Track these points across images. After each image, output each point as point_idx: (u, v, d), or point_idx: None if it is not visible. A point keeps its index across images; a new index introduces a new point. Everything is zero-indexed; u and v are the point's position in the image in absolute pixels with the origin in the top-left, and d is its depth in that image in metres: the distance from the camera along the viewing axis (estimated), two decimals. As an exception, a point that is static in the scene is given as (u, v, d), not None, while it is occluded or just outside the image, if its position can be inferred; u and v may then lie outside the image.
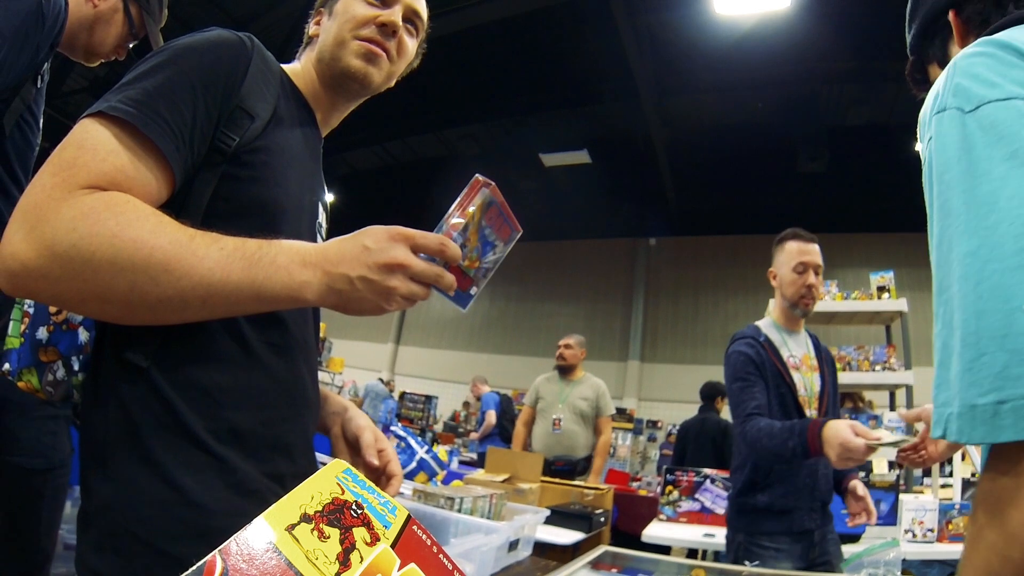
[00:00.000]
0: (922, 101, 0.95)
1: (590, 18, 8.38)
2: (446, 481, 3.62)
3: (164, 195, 0.98)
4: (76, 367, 1.13)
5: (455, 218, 1.01)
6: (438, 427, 13.50)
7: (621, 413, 13.38)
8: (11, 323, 1.22)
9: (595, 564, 2.15)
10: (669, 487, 3.83)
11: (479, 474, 3.75)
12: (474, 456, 8.52)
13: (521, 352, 16.04)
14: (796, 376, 2.59)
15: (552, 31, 8.87)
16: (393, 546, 0.51)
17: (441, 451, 3.85)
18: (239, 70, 1.05)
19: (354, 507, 0.52)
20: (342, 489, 0.53)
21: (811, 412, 2.58)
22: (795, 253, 2.66)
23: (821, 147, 10.14)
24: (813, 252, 2.66)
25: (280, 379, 1.09)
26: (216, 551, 0.43)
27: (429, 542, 0.56)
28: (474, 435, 10.29)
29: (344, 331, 17.38)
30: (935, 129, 0.84)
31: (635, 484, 6.15)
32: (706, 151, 11.03)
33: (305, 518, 0.48)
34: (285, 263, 0.93)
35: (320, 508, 0.49)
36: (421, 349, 18.18)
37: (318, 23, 1.31)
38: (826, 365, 2.74)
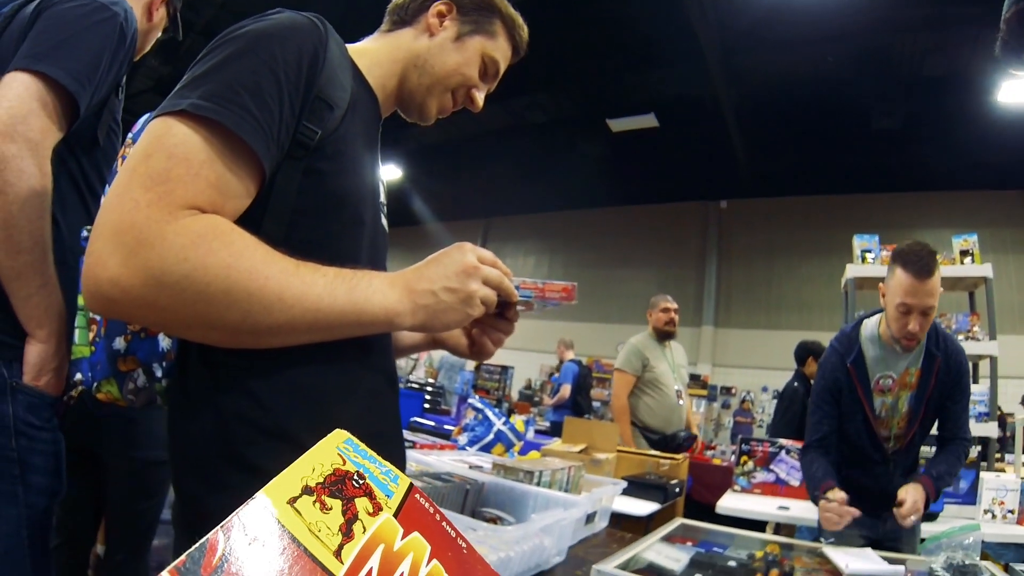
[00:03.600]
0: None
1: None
2: (523, 451, 3.68)
3: (252, 197, 0.95)
4: (159, 373, 1.14)
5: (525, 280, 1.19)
6: (514, 396, 13.62)
7: (695, 380, 13.31)
8: (76, 331, 1.29)
9: (670, 537, 2.19)
10: (744, 457, 3.83)
11: (556, 444, 3.79)
12: (548, 425, 8.59)
13: (595, 319, 15.92)
14: (878, 401, 2.65)
15: (613, -5, 8.70)
16: (396, 515, 0.52)
17: (518, 422, 3.91)
18: (319, 57, 1.00)
19: (356, 477, 0.52)
20: (343, 460, 0.53)
21: (889, 431, 2.69)
22: (901, 289, 2.42)
23: (895, 102, 9.72)
24: (922, 292, 2.38)
25: (374, 367, 1.10)
26: (218, 527, 0.43)
27: (432, 510, 0.57)
28: (548, 401, 10.36)
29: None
30: None
31: (709, 453, 6.10)
32: (775, 110, 10.70)
33: (307, 490, 0.48)
34: (379, 285, 0.96)
35: (322, 480, 0.50)
36: (496, 318, 18.19)
37: (440, 16, 1.27)
38: (935, 378, 2.58)
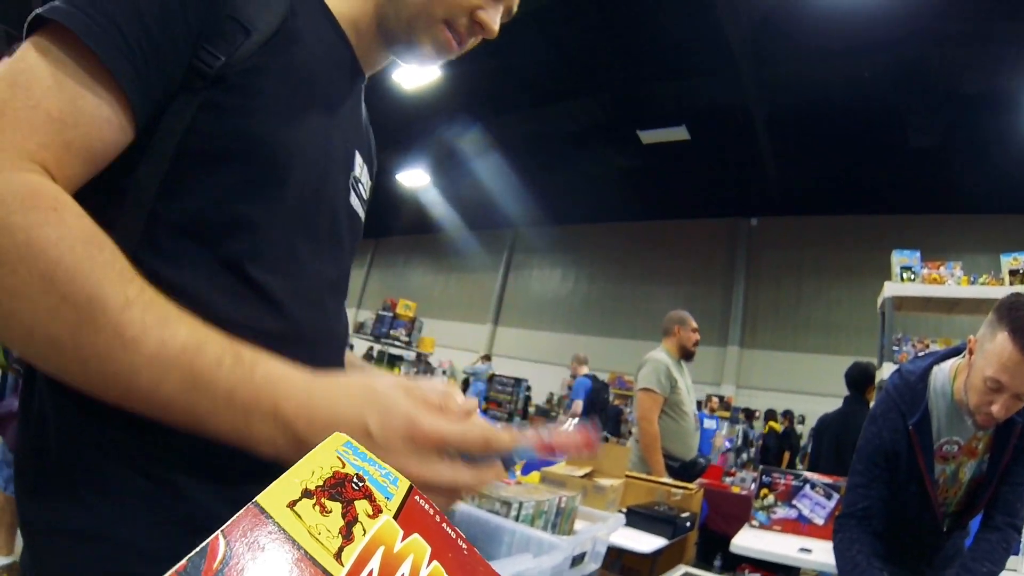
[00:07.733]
0: None
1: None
2: (525, 471, 3.45)
3: (129, 134, 0.73)
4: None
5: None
6: (532, 410, 13.48)
7: (719, 400, 13.10)
8: None
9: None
10: (764, 490, 3.52)
11: (559, 467, 3.55)
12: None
13: (619, 335, 16.02)
14: (939, 467, 2.18)
15: (645, 1, 8.57)
16: (396, 517, 0.49)
17: (523, 441, 3.64)
18: None
19: (355, 480, 0.50)
20: (343, 462, 0.51)
21: (946, 497, 2.23)
22: (999, 360, 1.86)
23: (933, 118, 9.50)
24: (1022, 372, 1.86)
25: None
26: (219, 531, 0.41)
27: (432, 511, 0.54)
28: (563, 416, 10.21)
29: (440, 311, 17.76)
30: None
31: (728, 480, 5.79)
32: (808, 124, 10.60)
33: (306, 494, 0.46)
34: (245, 401, 0.65)
35: (321, 483, 0.48)
36: (519, 330, 18.45)
37: None
38: (1011, 448, 2.09)
